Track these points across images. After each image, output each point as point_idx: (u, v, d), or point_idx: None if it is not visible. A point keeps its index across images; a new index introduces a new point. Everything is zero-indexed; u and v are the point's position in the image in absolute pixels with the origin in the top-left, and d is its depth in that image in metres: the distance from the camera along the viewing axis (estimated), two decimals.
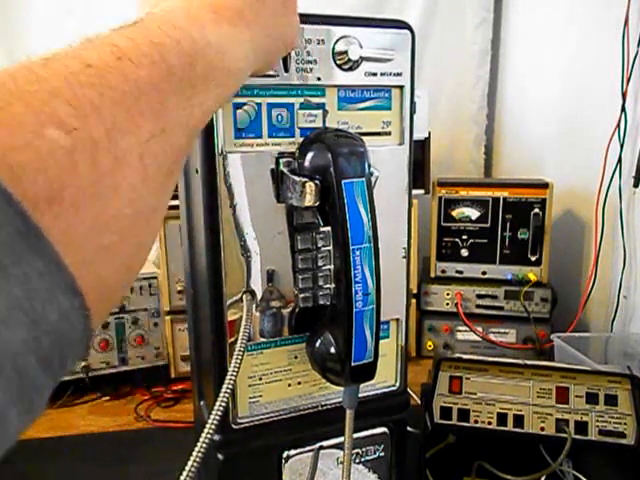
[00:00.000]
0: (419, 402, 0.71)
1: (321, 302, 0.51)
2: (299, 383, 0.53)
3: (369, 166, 0.46)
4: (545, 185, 1.07)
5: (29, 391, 0.19)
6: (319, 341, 0.49)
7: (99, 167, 0.22)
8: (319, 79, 0.48)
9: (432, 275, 1.14)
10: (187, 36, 0.28)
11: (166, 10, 0.30)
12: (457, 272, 1.13)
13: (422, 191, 1.13)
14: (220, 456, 0.51)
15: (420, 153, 1.12)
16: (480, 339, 1.09)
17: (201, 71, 0.28)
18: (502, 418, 0.67)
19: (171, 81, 0.26)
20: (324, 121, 0.50)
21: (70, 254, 0.20)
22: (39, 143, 0.19)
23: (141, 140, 0.24)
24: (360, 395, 0.49)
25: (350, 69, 0.49)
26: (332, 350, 0.48)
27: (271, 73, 0.46)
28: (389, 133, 0.53)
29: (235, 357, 0.44)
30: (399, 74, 0.52)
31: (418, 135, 1.05)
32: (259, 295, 0.50)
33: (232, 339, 0.49)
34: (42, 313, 0.19)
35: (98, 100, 0.22)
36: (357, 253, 0.45)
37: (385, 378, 0.57)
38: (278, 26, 0.37)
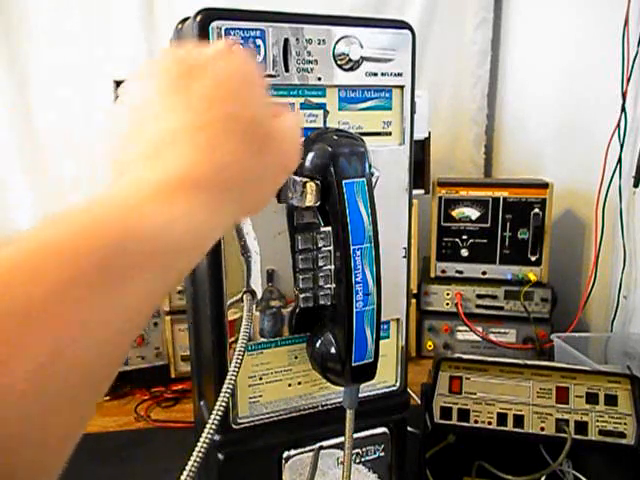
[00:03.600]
0: (419, 402, 0.71)
1: (321, 302, 0.51)
2: (299, 383, 0.53)
3: (370, 166, 0.46)
4: (545, 185, 1.07)
5: None
6: (319, 341, 0.49)
7: None
8: (320, 79, 0.48)
9: (432, 275, 1.14)
10: (121, 221, 0.25)
11: (112, 192, 0.27)
12: (457, 272, 1.13)
13: (422, 191, 1.13)
14: (220, 456, 0.51)
15: (420, 153, 1.13)
16: (480, 339, 1.09)
17: (139, 253, 0.24)
18: (502, 418, 0.67)
19: (95, 274, 0.22)
20: (325, 121, 0.50)
21: None
22: None
23: (44, 352, 0.20)
24: (360, 395, 0.49)
25: (351, 69, 0.49)
26: (332, 350, 0.48)
27: (272, 73, 0.46)
28: (389, 133, 0.53)
29: (235, 357, 0.44)
30: (399, 74, 0.52)
31: (418, 135, 1.05)
32: (259, 295, 0.50)
33: (232, 339, 0.49)
34: None
35: None
36: (357, 253, 0.45)
37: (385, 378, 0.57)
38: (242, 172, 0.31)
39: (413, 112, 0.53)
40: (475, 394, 0.68)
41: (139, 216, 0.25)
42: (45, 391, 0.20)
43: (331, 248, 0.49)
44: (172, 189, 0.27)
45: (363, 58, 0.49)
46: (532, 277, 1.08)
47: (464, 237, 1.11)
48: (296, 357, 0.53)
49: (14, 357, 0.19)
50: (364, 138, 0.48)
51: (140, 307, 0.25)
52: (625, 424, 0.65)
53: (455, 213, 1.11)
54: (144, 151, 0.30)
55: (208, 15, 0.44)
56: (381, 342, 0.48)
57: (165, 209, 0.26)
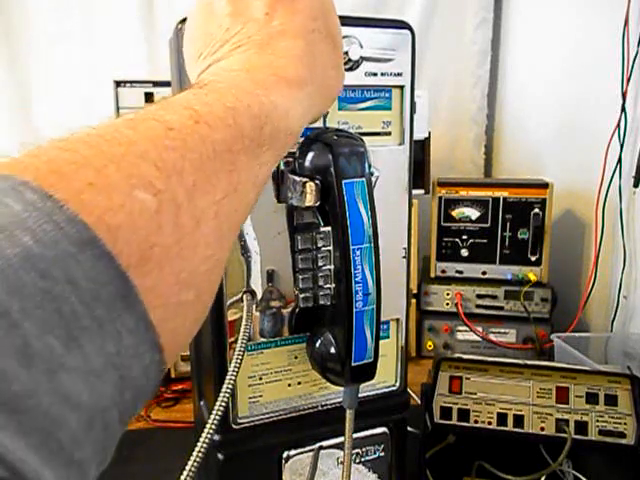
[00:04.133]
0: (419, 402, 0.71)
1: (321, 302, 0.51)
2: (299, 383, 0.53)
3: (369, 166, 0.46)
4: (545, 185, 1.07)
5: (108, 444, 0.20)
6: (319, 341, 0.49)
7: (181, 227, 0.23)
8: None
9: (432, 275, 1.14)
10: (256, 100, 0.29)
11: (229, 72, 0.32)
12: (457, 272, 1.13)
13: (422, 191, 1.13)
14: (220, 456, 0.51)
15: (420, 153, 1.13)
16: (480, 339, 1.09)
17: (268, 133, 0.29)
18: (502, 418, 0.67)
19: (243, 143, 0.27)
20: (324, 121, 0.50)
21: (154, 311, 0.21)
22: (131, 205, 0.20)
23: (216, 200, 0.25)
24: (360, 395, 0.49)
25: (350, 69, 0.49)
26: (332, 350, 0.48)
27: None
28: (389, 133, 0.53)
29: (235, 357, 0.44)
30: (399, 74, 0.52)
31: (418, 135, 1.05)
32: (259, 295, 0.50)
33: (232, 339, 0.49)
34: (129, 369, 0.20)
35: (180, 163, 0.23)
36: (357, 253, 0.45)
37: (385, 378, 0.57)
38: (329, 79, 0.38)
39: (413, 112, 0.53)
40: (475, 394, 0.68)
41: (268, 101, 0.30)
42: (221, 221, 0.25)
43: (331, 248, 0.49)
44: (285, 84, 0.32)
45: (363, 58, 0.49)
46: (532, 277, 1.08)
47: (464, 237, 1.11)
48: (296, 357, 0.53)
49: (208, 189, 0.24)
50: (364, 138, 0.48)
51: (266, 176, 0.31)
52: (625, 424, 0.65)
53: (455, 213, 1.11)
54: (258, 40, 0.34)
55: None
56: (381, 342, 0.48)
57: (282, 98, 0.31)
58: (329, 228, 0.48)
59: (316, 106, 0.37)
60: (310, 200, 0.45)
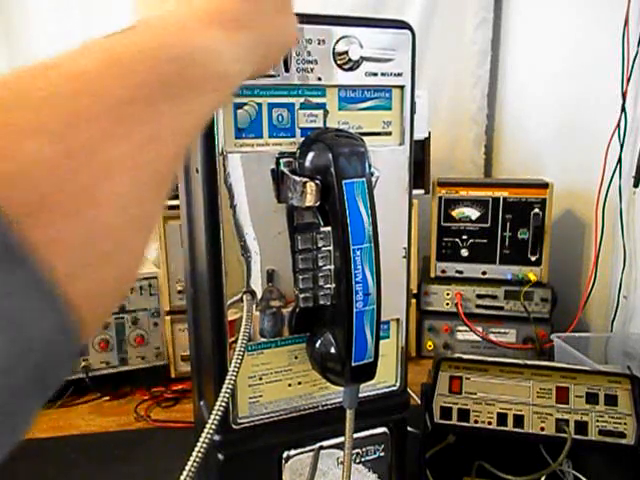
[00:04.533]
0: (419, 402, 0.71)
1: (321, 302, 0.51)
2: (299, 383, 0.53)
3: (369, 166, 0.46)
4: (545, 185, 1.07)
5: (19, 410, 0.19)
6: (319, 341, 0.49)
7: (87, 176, 0.21)
8: (320, 79, 0.48)
9: (432, 275, 1.14)
10: (178, 42, 0.28)
11: (158, 17, 0.31)
12: (457, 272, 1.13)
13: (422, 191, 1.13)
14: (220, 456, 0.51)
15: (420, 153, 1.13)
16: (480, 339, 1.09)
17: (193, 76, 0.28)
18: (502, 418, 0.67)
19: (163, 87, 0.26)
20: (325, 121, 0.50)
21: (60, 265, 0.20)
22: (20, 152, 0.19)
23: (132, 148, 0.24)
24: (360, 395, 0.49)
25: (350, 69, 0.49)
26: (332, 350, 0.48)
27: (271, 73, 0.46)
28: (389, 133, 0.53)
29: (235, 357, 0.44)
30: (399, 74, 0.52)
31: (418, 135, 1.05)
32: (259, 295, 0.50)
33: (232, 339, 0.49)
34: (29, 328, 0.18)
35: (87, 108, 0.22)
36: (357, 253, 0.45)
37: (385, 378, 0.57)
38: (274, 26, 0.37)
39: (413, 112, 0.53)
40: (475, 394, 0.68)
41: (193, 42, 0.28)
42: (140, 171, 0.24)
43: (331, 248, 0.49)
44: (218, 25, 0.31)
45: (363, 58, 0.49)
46: (532, 277, 1.08)
47: (464, 237, 1.11)
48: (296, 357, 0.53)
49: (119, 138, 0.23)
50: (364, 138, 0.48)
51: (196, 125, 0.29)
52: (625, 424, 0.65)
53: (455, 213, 1.11)
54: None
55: None
56: (381, 342, 0.48)
57: (213, 40, 0.30)
58: (329, 228, 0.48)
59: (260, 50, 0.35)
60: (310, 200, 0.45)
